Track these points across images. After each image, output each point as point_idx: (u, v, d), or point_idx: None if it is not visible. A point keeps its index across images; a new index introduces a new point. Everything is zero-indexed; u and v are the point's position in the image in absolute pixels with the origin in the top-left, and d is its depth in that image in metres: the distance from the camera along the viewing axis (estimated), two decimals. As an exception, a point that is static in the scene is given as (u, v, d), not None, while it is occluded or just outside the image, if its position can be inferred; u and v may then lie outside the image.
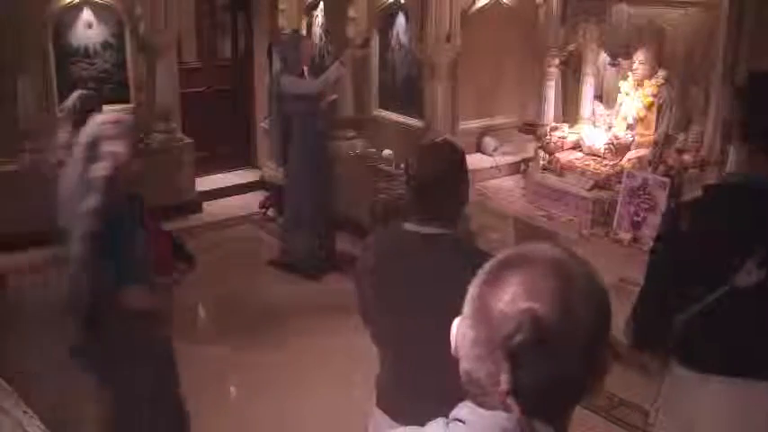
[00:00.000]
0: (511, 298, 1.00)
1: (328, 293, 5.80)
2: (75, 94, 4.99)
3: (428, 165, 2.33)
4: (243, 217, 7.37)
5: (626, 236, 4.90)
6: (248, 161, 8.41)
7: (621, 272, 4.62)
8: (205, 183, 7.74)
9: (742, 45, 4.31)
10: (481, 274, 1.07)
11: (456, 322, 1.09)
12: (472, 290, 1.06)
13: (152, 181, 6.63)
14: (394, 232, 2.45)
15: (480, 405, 1.03)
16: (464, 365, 1.05)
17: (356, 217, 6.39)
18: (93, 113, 4.93)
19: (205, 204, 7.51)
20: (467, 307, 1.06)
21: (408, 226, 2.32)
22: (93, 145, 3.03)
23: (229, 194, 7.86)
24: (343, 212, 6.41)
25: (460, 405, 1.06)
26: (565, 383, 1.01)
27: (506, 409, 0.99)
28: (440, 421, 1.07)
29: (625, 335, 2.40)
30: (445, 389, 2.25)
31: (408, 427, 1.12)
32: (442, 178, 2.30)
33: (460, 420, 1.04)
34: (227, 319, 5.49)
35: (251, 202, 7.62)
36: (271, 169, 7.24)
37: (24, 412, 1.60)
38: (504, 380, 0.98)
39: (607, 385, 3.54)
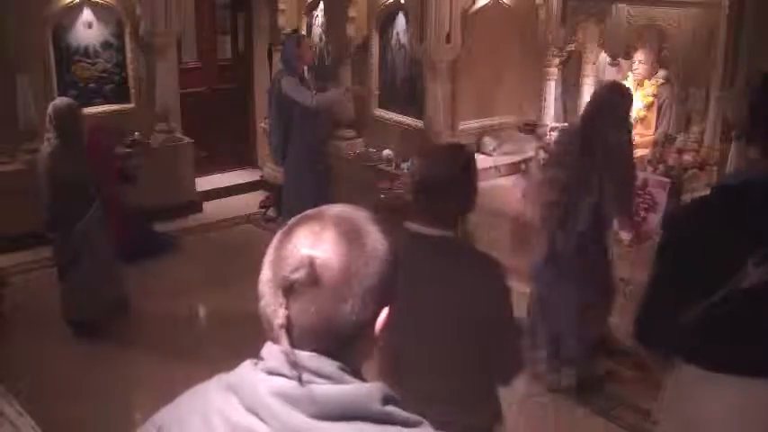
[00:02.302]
0: (295, 245, 1.13)
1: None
2: (51, 105, 4.87)
3: (436, 166, 2.29)
4: (243, 217, 7.37)
5: (626, 236, 4.89)
6: (248, 161, 8.41)
7: (621, 272, 4.62)
8: (205, 183, 7.74)
9: (742, 45, 4.31)
10: (282, 227, 1.19)
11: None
12: (273, 241, 1.18)
13: (152, 181, 6.68)
14: (397, 233, 2.40)
15: (273, 341, 1.15)
16: (261, 305, 1.17)
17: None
18: (75, 120, 4.86)
19: (205, 204, 7.50)
20: (266, 254, 1.18)
21: (410, 226, 2.28)
22: None
23: (229, 194, 7.86)
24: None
25: (265, 345, 1.17)
26: (340, 324, 1.12)
27: (280, 340, 1.11)
28: (249, 362, 1.18)
29: (632, 334, 2.41)
30: (448, 389, 2.25)
31: (222, 374, 1.23)
32: (449, 180, 2.26)
33: (262, 357, 1.16)
34: (226, 320, 5.49)
35: (251, 202, 7.62)
36: (271, 169, 7.24)
37: (19, 414, 1.59)
38: (280, 314, 1.10)
39: (607, 385, 3.58)
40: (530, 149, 6.28)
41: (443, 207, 2.27)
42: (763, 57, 4.33)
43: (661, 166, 5.13)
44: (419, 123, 6.51)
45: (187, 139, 7.36)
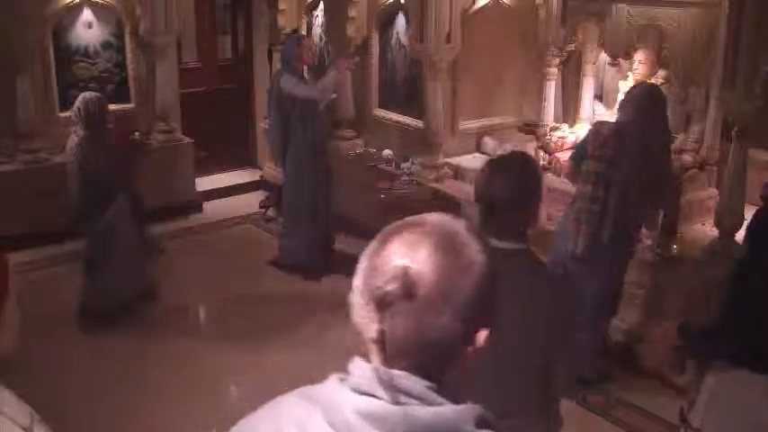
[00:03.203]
0: (389, 255, 1.07)
1: (328, 293, 5.79)
2: (81, 98, 5.03)
3: (506, 178, 2.25)
4: (243, 217, 7.37)
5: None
6: (248, 161, 8.41)
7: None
8: (205, 183, 7.75)
9: (742, 45, 4.31)
10: (380, 232, 1.13)
11: None
12: (369, 246, 1.13)
13: (152, 181, 6.68)
14: None
15: (363, 355, 1.10)
16: (352, 315, 1.11)
17: (356, 217, 6.39)
18: (102, 113, 5.06)
19: (205, 204, 7.51)
20: (360, 261, 1.12)
21: None
22: None
23: (229, 194, 7.87)
24: (343, 212, 6.41)
25: (352, 359, 1.12)
26: (434, 340, 1.05)
27: (369, 356, 1.07)
28: (335, 377, 1.13)
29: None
30: (514, 401, 2.22)
31: (305, 387, 1.18)
32: (519, 191, 2.23)
33: (349, 373, 1.11)
34: (227, 320, 5.49)
35: (251, 202, 7.62)
36: (271, 169, 7.24)
37: (30, 414, 1.60)
38: (373, 328, 1.05)
39: (607, 385, 3.57)
40: (530, 149, 6.27)
41: (513, 219, 2.23)
42: (764, 57, 4.33)
43: (661, 166, 5.12)
44: (419, 123, 6.50)
45: (187, 139, 7.37)
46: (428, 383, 1.06)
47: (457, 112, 6.44)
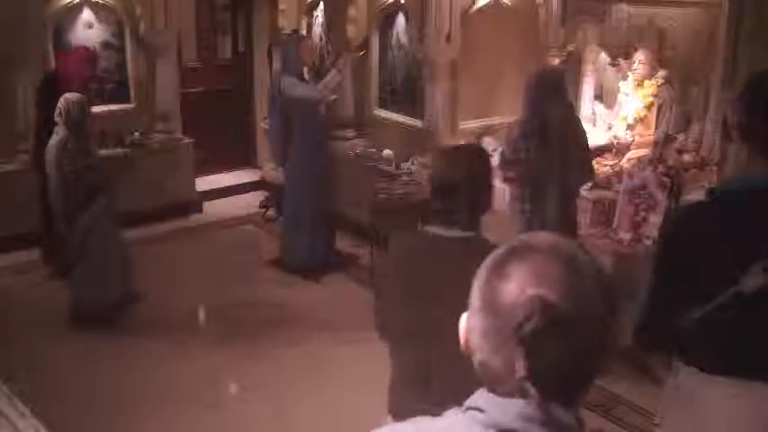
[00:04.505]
0: (518, 286, 1.01)
1: (328, 293, 5.80)
2: (63, 99, 4.98)
3: (454, 167, 2.31)
4: (243, 217, 7.38)
5: (626, 236, 4.89)
6: (248, 161, 8.41)
7: (621, 272, 4.62)
8: (205, 183, 7.75)
9: (742, 45, 4.31)
10: (486, 265, 1.08)
11: (464, 317, 1.11)
12: (478, 281, 1.08)
13: (152, 181, 6.68)
14: (416, 236, 2.42)
15: (501, 393, 1.04)
16: (478, 357, 1.07)
17: (356, 217, 6.39)
18: (83, 114, 5.04)
19: (205, 204, 7.51)
20: (474, 299, 1.07)
21: (432, 229, 2.30)
22: None
23: (229, 194, 7.86)
24: (343, 212, 6.41)
25: (477, 392, 1.07)
26: (578, 366, 1.03)
27: (523, 395, 1.01)
28: (456, 410, 1.08)
29: (633, 338, 2.40)
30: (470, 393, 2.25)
31: (425, 417, 1.13)
32: (467, 181, 2.27)
33: (478, 409, 1.05)
34: (227, 320, 5.49)
35: (251, 202, 7.62)
36: (271, 169, 7.24)
37: (22, 415, 1.58)
38: (520, 367, 1.00)
39: (607, 385, 3.57)
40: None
41: (462, 208, 2.27)
42: (764, 57, 4.33)
43: (661, 166, 5.13)
44: (419, 123, 6.51)
45: (187, 139, 7.36)
46: (572, 413, 1.03)
47: (457, 112, 6.44)
